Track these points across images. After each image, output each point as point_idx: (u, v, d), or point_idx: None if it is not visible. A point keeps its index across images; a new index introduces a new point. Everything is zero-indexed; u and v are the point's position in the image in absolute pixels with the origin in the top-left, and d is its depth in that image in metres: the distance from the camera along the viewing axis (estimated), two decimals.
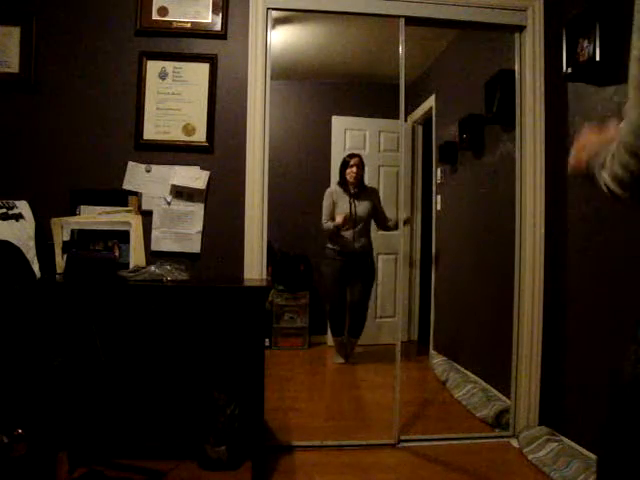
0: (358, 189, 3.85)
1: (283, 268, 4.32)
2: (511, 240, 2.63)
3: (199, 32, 2.44)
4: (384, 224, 3.92)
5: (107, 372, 2.14)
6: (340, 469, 2.25)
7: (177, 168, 2.42)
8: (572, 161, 1.02)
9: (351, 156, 3.88)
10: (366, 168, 4.02)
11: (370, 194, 3.92)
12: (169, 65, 2.43)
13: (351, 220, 3.81)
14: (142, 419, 2.35)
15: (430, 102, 4.01)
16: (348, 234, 3.83)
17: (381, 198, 3.99)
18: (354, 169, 3.81)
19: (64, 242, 2.25)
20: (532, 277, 2.56)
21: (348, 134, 4.35)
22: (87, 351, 2.06)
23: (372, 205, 3.87)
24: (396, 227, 3.77)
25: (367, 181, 4.01)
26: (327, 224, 3.84)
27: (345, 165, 3.86)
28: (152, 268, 2.13)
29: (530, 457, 2.33)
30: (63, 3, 2.39)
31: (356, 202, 3.82)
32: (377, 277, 4.19)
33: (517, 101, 2.61)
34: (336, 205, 3.84)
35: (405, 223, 3.55)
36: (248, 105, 2.44)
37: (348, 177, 3.83)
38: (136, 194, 2.40)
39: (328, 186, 3.99)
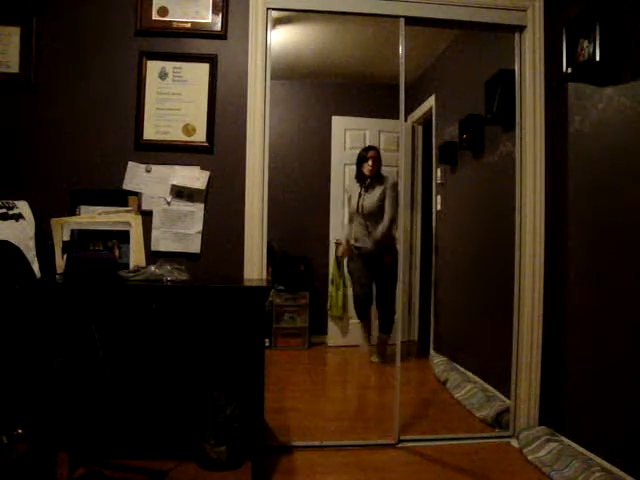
0: (371, 180, 3.80)
1: (283, 268, 4.31)
2: (511, 240, 2.63)
3: (199, 32, 2.44)
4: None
5: (107, 372, 2.14)
6: (340, 469, 2.25)
7: (177, 168, 2.42)
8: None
9: (367, 149, 3.86)
10: None
11: (382, 182, 3.81)
12: (169, 65, 2.43)
13: (358, 215, 3.78)
14: (142, 419, 2.35)
15: (430, 102, 4.01)
16: (359, 230, 3.78)
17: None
18: (370, 162, 3.77)
19: (64, 242, 2.26)
20: (532, 277, 2.56)
21: (348, 134, 4.34)
22: (87, 351, 2.06)
23: (381, 194, 3.78)
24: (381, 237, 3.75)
25: None
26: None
27: (362, 159, 3.83)
28: (152, 268, 2.13)
29: (530, 457, 2.33)
30: (63, 3, 2.39)
31: (365, 195, 3.78)
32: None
33: (517, 101, 2.61)
34: (350, 200, 3.82)
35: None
36: (248, 105, 2.44)
37: (365, 171, 3.80)
38: (136, 194, 2.40)
39: (328, 186, 3.98)
